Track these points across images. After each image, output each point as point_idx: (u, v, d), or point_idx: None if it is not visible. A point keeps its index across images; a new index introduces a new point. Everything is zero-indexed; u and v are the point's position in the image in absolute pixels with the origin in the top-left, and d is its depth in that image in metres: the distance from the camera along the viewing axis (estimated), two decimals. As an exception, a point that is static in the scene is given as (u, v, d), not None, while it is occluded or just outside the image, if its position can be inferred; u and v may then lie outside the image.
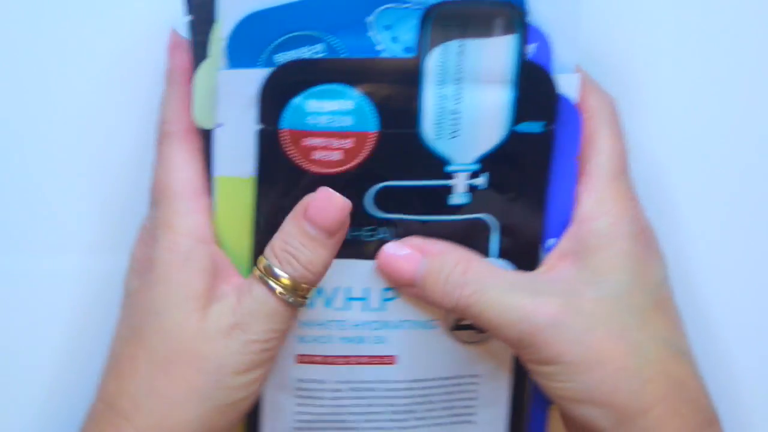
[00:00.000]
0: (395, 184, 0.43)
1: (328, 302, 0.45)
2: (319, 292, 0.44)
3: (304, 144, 0.42)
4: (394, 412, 0.46)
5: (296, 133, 0.42)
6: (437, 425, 0.47)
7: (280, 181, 0.43)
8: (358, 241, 0.44)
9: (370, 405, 0.46)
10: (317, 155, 0.42)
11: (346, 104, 0.42)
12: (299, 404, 0.46)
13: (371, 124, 0.42)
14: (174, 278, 0.41)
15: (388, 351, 0.45)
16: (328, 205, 0.42)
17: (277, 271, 0.42)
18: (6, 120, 0.47)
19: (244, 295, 0.42)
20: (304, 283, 0.42)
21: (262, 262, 0.42)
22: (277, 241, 0.42)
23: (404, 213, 0.44)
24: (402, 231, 0.44)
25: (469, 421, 0.47)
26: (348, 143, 0.42)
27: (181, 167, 0.43)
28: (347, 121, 0.42)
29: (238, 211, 0.43)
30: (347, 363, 0.45)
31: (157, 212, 0.42)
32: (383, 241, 0.44)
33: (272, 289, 0.42)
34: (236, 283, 0.43)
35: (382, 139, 0.42)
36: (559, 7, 0.42)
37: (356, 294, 0.45)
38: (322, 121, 0.42)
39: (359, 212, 0.43)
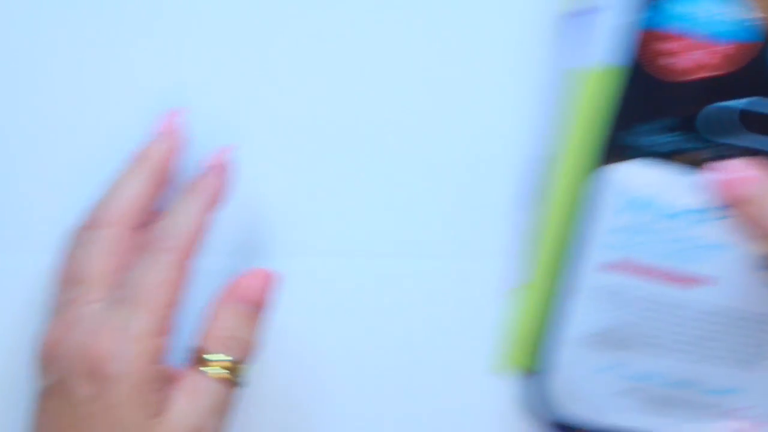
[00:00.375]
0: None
1: (656, 210, 0.43)
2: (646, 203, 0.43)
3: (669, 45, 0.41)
4: (698, 336, 0.45)
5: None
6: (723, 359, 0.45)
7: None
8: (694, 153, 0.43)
9: (678, 324, 0.44)
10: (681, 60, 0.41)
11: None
12: (601, 309, 0.45)
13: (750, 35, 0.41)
14: (131, 402, 0.40)
15: (704, 271, 0.44)
16: (256, 281, 0.43)
17: (222, 357, 0.42)
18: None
19: (193, 394, 0.41)
20: (246, 361, 0.42)
21: (202, 354, 0.42)
22: (214, 330, 0.42)
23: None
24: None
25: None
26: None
27: (165, 287, 0.41)
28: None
29: (598, 101, 0.42)
30: (661, 276, 0.44)
31: None
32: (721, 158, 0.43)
33: (221, 377, 0.41)
34: (180, 384, 0.42)
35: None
36: None
37: (681, 207, 0.43)
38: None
39: (721, 123, 0.42)
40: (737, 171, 0.43)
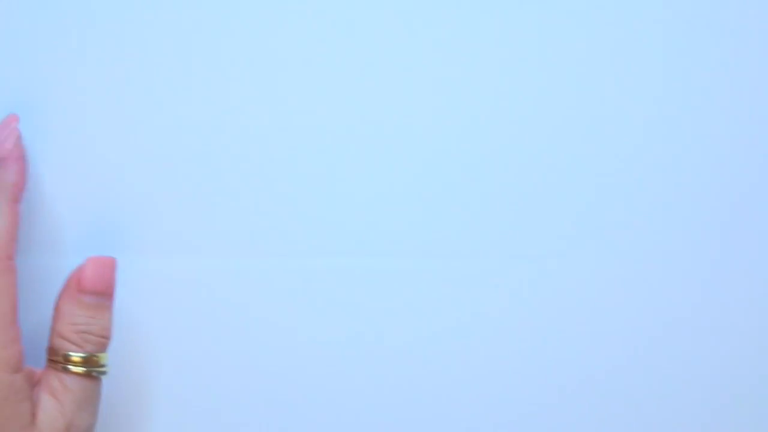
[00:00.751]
0: None
1: None
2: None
3: None
4: None
5: None
6: None
7: None
8: None
9: None
10: None
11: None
12: None
13: None
14: (2, 415, 0.40)
15: None
16: (96, 270, 0.42)
17: (79, 354, 0.42)
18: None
19: (60, 393, 0.42)
20: (103, 351, 0.42)
21: (59, 353, 0.42)
22: (64, 327, 0.42)
23: None
24: None
25: None
26: None
27: (1, 297, 0.41)
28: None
29: None
30: None
31: None
32: None
33: (83, 373, 0.42)
34: (44, 386, 0.42)
35: None
36: None
37: None
38: None
39: None
40: None
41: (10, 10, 0.44)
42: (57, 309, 0.42)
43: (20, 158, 0.42)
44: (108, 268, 0.43)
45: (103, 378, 0.43)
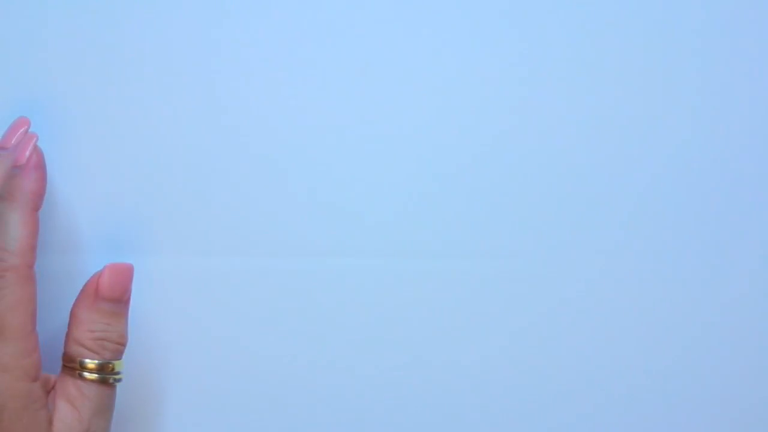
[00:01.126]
0: None
1: None
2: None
3: None
4: None
5: None
6: None
7: None
8: None
9: None
10: None
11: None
12: None
13: None
14: (21, 424, 0.40)
15: None
16: (113, 277, 0.42)
17: (95, 360, 0.42)
18: None
19: (77, 400, 0.42)
20: (119, 358, 0.43)
21: (76, 360, 0.42)
22: (82, 334, 0.42)
23: None
24: None
25: None
26: None
27: (20, 306, 0.41)
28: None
29: None
30: None
31: None
32: None
33: (97, 380, 0.42)
34: (60, 393, 0.42)
35: None
36: None
37: None
38: None
39: None
40: None
41: (14, 11, 0.44)
42: (74, 316, 0.42)
43: (39, 166, 0.42)
44: (126, 274, 0.43)
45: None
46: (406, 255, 0.46)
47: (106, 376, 0.42)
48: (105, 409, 0.42)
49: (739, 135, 0.47)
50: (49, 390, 0.42)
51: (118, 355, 0.43)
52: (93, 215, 0.45)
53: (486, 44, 0.46)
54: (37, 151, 0.42)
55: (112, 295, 0.42)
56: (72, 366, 0.42)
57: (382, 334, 0.46)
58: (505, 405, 0.47)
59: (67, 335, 0.42)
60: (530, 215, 0.47)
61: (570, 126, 0.46)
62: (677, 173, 0.47)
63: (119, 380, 0.43)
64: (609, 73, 0.46)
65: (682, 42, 0.47)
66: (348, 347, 0.46)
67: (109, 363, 0.42)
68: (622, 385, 0.47)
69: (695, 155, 0.47)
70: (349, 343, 0.46)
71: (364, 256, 0.46)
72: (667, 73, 0.47)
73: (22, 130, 0.43)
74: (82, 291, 0.43)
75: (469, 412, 0.47)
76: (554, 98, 0.46)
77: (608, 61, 0.46)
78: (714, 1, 0.47)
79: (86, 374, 0.42)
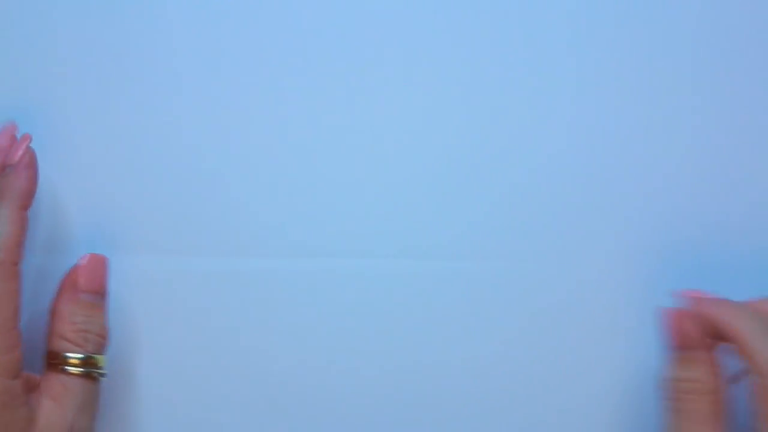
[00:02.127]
0: None
1: None
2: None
3: None
4: None
5: None
6: None
7: None
8: None
9: None
10: None
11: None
12: None
13: None
14: (3, 421, 0.40)
15: None
16: (90, 269, 0.43)
17: (78, 353, 0.42)
18: None
19: (60, 396, 0.41)
20: (102, 352, 0.43)
21: (59, 355, 0.42)
22: (64, 327, 0.42)
23: None
24: None
25: None
26: None
27: (2, 302, 0.41)
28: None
29: None
30: None
31: None
32: None
33: (84, 375, 0.42)
34: (44, 389, 0.42)
35: None
36: None
37: None
38: None
39: None
40: None
41: (12, 11, 0.45)
42: (54, 311, 0.42)
43: (30, 165, 0.42)
44: (101, 265, 0.43)
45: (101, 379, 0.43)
46: (407, 256, 0.46)
47: (90, 370, 0.42)
48: (89, 405, 0.42)
49: (739, 135, 0.47)
50: (32, 389, 0.42)
51: (101, 349, 0.43)
52: (90, 216, 0.45)
53: (488, 47, 0.46)
54: (29, 151, 0.42)
55: (91, 286, 0.43)
56: (56, 362, 0.42)
57: (382, 335, 0.46)
58: (505, 405, 0.47)
59: (50, 332, 0.42)
60: (531, 217, 0.46)
61: (571, 129, 0.46)
62: (677, 174, 0.47)
63: (103, 375, 0.43)
64: (609, 74, 0.46)
65: (685, 46, 0.46)
66: (348, 348, 0.46)
67: (92, 357, 0.42)
68: (622, 385, 0.47)
69: (695, 157, 0.47)
70: (349, 343, 0.46)
71: (364, 257, 0.46)
72: (668, 74, 0.46)
73: (13, 133, 0.43)
74: (61, 286, 0.43)
75: (469, 412, 0.47)
76: (555, 102, 0.46)
77: (608, 64, 0.46)
78: (714, 1, 0.46)
79: (70, 368, 0.42)
